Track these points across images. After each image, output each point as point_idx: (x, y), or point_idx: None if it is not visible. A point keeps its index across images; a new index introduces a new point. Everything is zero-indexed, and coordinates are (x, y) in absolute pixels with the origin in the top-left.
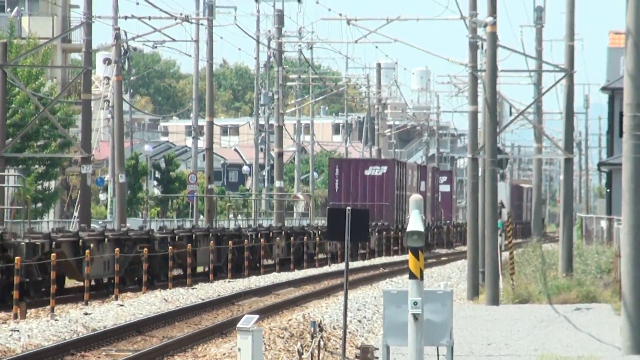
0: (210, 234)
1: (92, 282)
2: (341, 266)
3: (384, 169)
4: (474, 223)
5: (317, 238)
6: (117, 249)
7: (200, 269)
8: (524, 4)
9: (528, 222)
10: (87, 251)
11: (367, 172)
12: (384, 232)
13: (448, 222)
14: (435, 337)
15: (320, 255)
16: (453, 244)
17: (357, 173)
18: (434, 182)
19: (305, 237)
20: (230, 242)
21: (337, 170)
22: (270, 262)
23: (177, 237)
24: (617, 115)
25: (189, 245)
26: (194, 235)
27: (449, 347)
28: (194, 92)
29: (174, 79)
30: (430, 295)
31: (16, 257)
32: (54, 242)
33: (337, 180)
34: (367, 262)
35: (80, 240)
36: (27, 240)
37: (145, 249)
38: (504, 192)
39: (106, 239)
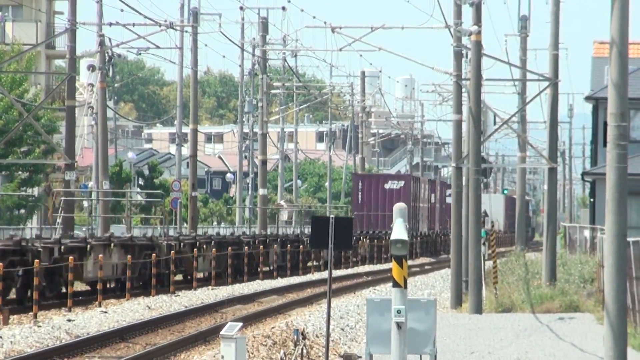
0: (213, 242)
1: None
2: (325, 274)
3: (401, 183)
4: (457, 232)
5: None
6: (128, 255)
7: (199, 275)
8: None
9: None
10: (100, 255)
11: (387, 186)
12: None
13: (443, 230)
14: (418, 346)
15: (315, 263)
16: (442, 250)
17: (378, 187)
18: (441, 194)
19: (301, 246)
20: (229, 248)
21: (360, 184)
22: (266, 268)
23: (182, 244)
24: (601, 124)
25: (195, 250)
26: (197, 242)
27: (432, 355)
28: (178, 99)
29: (158, 86)
30: (413, 304)
31: (35, 261)
32: (62, 247)
33: (359, 193)
34: (350, 270)
35: (88, 245)
36: (42, 245)
37: (154, 255)
38: (499, 203)
39: (112, 244)
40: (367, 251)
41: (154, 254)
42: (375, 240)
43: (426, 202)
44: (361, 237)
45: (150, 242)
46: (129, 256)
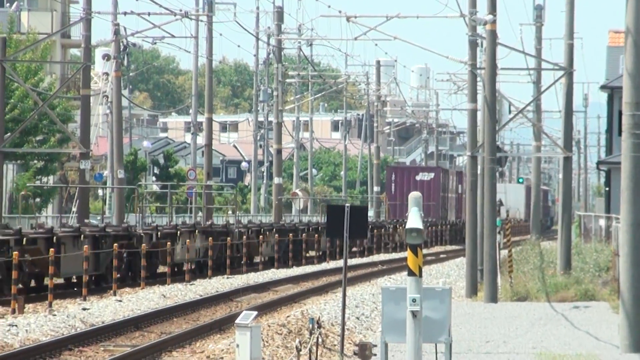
0: (274, 229)
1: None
2: (340, 263)
3: (432, 175)
4: (472, 221)
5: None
6: (210, 238)
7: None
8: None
9: (541, 220)
10: (187, 240)
11: (418, 178)
12: (433, 227)
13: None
14: (433, 335)
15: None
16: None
17: (410, 178)
18: (456, 184)
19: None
20: (290, 235)
21: (393, 176)
22: (312, 254)
23: (249, 231)
24: (616, 113)
25: (261, 237)
26: (262, 230)
27: (447, 344)
28: (193, 88)
29: (173, 75)
30: (429, 293)
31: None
32: (159, 233)
33: (393, 184)
34: (365, 259)
35: (178, 232)
36: (144, 231)
37: (229, 239)
38: (520, 193)
39: (196, 230)
40: (427, 236)
41: (228, 239)
42: None
43: (454, 192)
44: (397, 225)
45: (226, 229)
46: (210, 239)
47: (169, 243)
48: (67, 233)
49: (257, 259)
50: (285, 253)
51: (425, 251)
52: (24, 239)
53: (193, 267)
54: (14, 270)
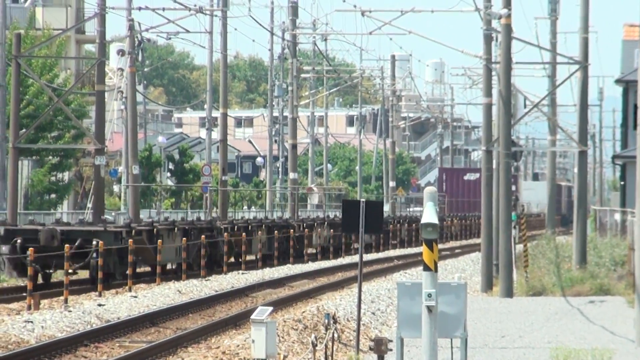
0: (325, 222)
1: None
2: (355, 258)
3: (477, 175)
4: (488, 216)
5: None
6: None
7: (250, 257)
8: None
9: (564, 214)
10: (260, 232)
11: (466, 178)
12: (478, 220)
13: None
14: (449, 329)
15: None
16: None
17: (458, 178)
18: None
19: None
20: (275, 232)
21: (444, 176)
22: (312, 250)
23: (304, 224)
24: (632, 107)
25: (306, 230)
26: (249, 226)
27: (462, 339)
28: (208, 83)
29: (188, 70)
30: (444, 288)
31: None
32: (236, 226)
33: (444, 183)
34: (381, 254)
35: (249, 226)
36: (223, 225)
37: (291, 231)
38: (544, 190)
39: (263, 225)
40: (457, 229)
41: (291, 231)
42: (463, 220)
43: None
44: (451, 218)
45: (286, 223)
46: (276, 232)
47: (243, 234)
48: (165, 226)
49: (309, 251)
50: (334, 246)
51: (471, 241)
52: (133, 231)
53: (259, 256)
54: (129, 255)
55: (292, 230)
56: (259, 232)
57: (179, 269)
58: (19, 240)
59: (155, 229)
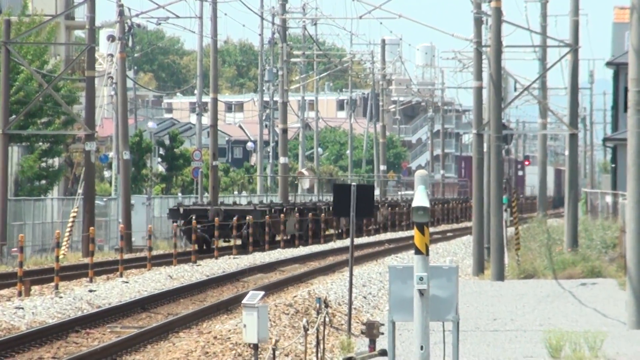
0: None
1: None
2: (346, 242)
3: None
4: (479, 199)
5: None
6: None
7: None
8: None
9: (563, 197)
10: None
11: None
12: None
13: (521, 196)
14: (441, 313)
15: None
16: (522, 211)
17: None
18: (515, 169)
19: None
20: (310, 214)
21: (463, 163)
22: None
23: (329, 207)
24: (622, 90)
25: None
26: (284, 209)
27: (454, 322)
28: (198, 68)
29: (178, 55)
30: (435, 271)
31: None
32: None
33: (463, 170)
34: (372, 238)
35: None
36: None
37: (322, 215)
38: (549, 174)
39: (295, 208)
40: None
41: (322, 215)
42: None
43: (507, 175)
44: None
45: (314, 207)
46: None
47: (311, 214)
48: (288, 206)
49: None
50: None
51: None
52: (273, 209)
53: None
54: (267, 227)
55: (323, 215)
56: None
57: (293, 238)
58: (193, 217)
59: (284, 208)
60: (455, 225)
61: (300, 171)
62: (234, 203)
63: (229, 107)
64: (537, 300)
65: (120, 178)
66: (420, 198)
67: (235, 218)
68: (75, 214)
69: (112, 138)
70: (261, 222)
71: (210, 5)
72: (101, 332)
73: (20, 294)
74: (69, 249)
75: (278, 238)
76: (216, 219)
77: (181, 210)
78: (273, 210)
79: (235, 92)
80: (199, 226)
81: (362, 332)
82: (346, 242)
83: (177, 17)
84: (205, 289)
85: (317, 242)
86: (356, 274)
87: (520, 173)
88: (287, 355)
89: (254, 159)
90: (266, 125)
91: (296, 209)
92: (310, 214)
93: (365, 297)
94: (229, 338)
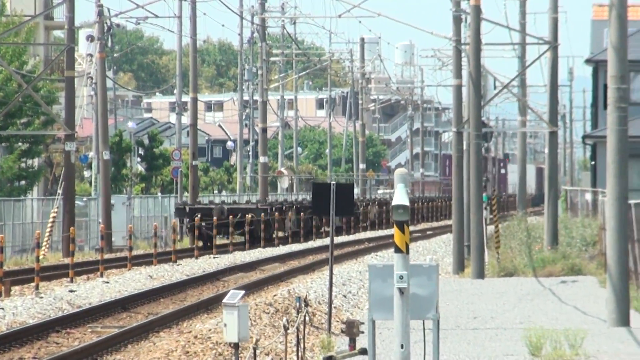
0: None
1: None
2: (326, 241)
3: None
4: (458, 197)
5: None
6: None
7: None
8: None
9: (544, 194)
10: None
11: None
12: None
13: (503, 193)
14: (421, 311)
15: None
16: (505, 208)
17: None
18: (498, 167)
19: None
20: (302, 213)
21: (447, 162)
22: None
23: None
24: (602, 87)
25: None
26: (283, 207)
27: (434, 321)
28: (178, 68)
29: (157, 55)
30: (416, 269)
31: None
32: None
33: (447, 169)
34: (352, 237)
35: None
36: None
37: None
38: (531, 172)
39: (293, 206)
40: None
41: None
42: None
43: (490, 173)
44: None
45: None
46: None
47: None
48: (287, 205)
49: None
50: (347, 224)
51: (353, 237)
52: (274, 207)
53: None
54: (276, 224)
55: None
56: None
57: (297, 234)
58: (199, 215)
59: (284, 207)
60: (435, 224)
61: (280, 170)
62: (234, 202)
63: (209, 107)
64: (517, 298)
65: (100, 178)
66: (400, 196)
67: (232, 216)
68: (55, 214)
69: (91, 138)
70: (263, 219)
71: (189, 4)
72: (82, 332)
73: (0, 295)
74: (49, 249)
75: (279, 234)
76: (214, 218)
77: (187, 209)
78: (274, 208)
79: (214, 92)
80: (203, 224)
81: (342, 331)
82: (338, 240)
83: (156, 16)
84: (185, 289)
85: (320, 237)
86: (336, 273)
87: (502, 171)
88: (267, 354)
89: (234, 159)
90: (246, 125)
91: (294, 207)
92: (309, 211)
93: (345, 296)
94: (210, 337)
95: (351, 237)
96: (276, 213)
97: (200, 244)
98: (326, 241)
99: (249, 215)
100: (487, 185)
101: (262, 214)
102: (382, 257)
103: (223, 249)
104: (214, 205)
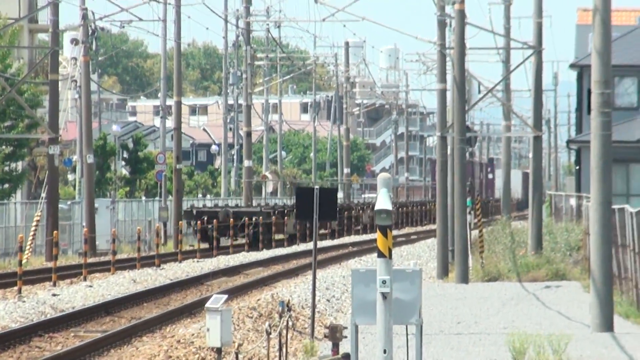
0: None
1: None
2: (310, 245)
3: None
4: (443, 202)
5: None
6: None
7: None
8: None
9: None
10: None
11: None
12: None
13: (491, 198)
14: (404, 316)
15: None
16: (492, 213)
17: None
18: (486, 171)
19: (352, 212)
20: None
21: (434, 166)
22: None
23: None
24: (586, 92)
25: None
26: (285, 210)
27: (418, 325)
28: (162, 71)
29: (142, 58)
30: (399, 274)
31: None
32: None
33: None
34: (336, 241)
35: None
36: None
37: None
38: (517, 178)
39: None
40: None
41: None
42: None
43: (479, 178)
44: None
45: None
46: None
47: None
48: (288, 209)
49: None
50: (342, 227)
51: (337, 241)
52: (276, 211)
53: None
54: (273, 227)
55: None
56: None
57: (293, 237)
58: (205, 218)
59: (285, 210)
60: (419, 228)
61: (264, 174)
62: (237, 205)
63: (193, 110)
64: (501, 303)
65: (84, 181)
66: (383, 201)
67: (243, 219)
68: (38, 218)
69: (76, 141)
70: (267, 222)
71: (173, 8)
72: (64, 336)
73: None
74: (32, 253)
75: (280, 237)
76: (215, 219)
77: (194, 212)
78: (276, 211)
79: (199, 95)
80: (209, 226)
81: (326, 336)
82: (326, 243)
83: (141, 20)
84: (169, 293)
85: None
86: (320, 277)
87: (490, 176)
88: (250, 359)
89: (218, 162)
90: (230, 129)
91: (294, 211)
92: None
93: (328, 301)
94: (193, 342)
95: (335, 242)
96: (274, 217)
97: (208, 245)
98: (323, 243)
99: (255, 218)
100: (472, 189)
101: (261, 217)
102: (366, 261)
103: (225, 251)
104: (219, 208)
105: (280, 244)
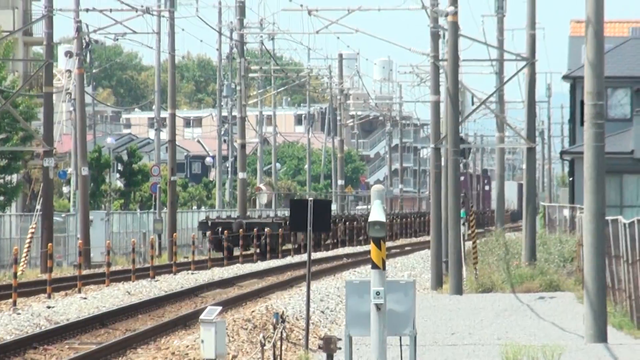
0: (343, 219)
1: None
2: (304, 257)
3: (461, 178)
4: (436, 213)
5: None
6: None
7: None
8: None
9: None
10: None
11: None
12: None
13: (487, 209)
14: (398, 327)
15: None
16: (488, 224)
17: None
18: (483, 183)
19: (355, 223)
20: (347, 223)
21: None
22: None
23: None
24: (579, 103)
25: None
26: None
27: (412, 336)
28: (156, 84)
29: (136, 71)
30: (392, 286)
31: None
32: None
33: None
34: (331, 253)
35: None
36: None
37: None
38: (513, 189)
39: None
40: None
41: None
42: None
43: (475, 189)
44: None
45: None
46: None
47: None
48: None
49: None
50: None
51: (332, 253)
52: (286, 222)
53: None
54: (269, 239)
55: None
56: None
57: (300, 248)
58: (220, 228)
59: (285, 222)
60: (414, 240)
61: (259, 186)
62: (247, 217)
63: (188, 123)
64: (495, 314)
65: (78, 194)
66: (377, 213)
67: (255, 230)
68: (33, 230)
69: (70, 154)
70: (279, 233)
71: (167, 20)
72: (59, 348)
73: None
74: (27, 265)
75: (288, 247)
76: (227, 230)
77: (209, 222)
78: (286, 222)
79: (193, 108)
80: (223, 236)
81: (320, 347)
82: (321, 255)
83: (135, 32)
84: (163, 305)
85: (327, 249)
86: (314, 289)
87: (487, 188)
88: None
89: (213, 174)
90: (225, 141)
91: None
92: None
93: (323, 312)
94: (187, 354)
95: (330, 253)
96: (280, 229)
97: (222, 254)
98: (328, 253)
99: (266, 229)
100: (466, 201)
101: (270, 228)
102: (360, 273)
103: (243, 259)
104: (232, 220)
105: (287, 253)
